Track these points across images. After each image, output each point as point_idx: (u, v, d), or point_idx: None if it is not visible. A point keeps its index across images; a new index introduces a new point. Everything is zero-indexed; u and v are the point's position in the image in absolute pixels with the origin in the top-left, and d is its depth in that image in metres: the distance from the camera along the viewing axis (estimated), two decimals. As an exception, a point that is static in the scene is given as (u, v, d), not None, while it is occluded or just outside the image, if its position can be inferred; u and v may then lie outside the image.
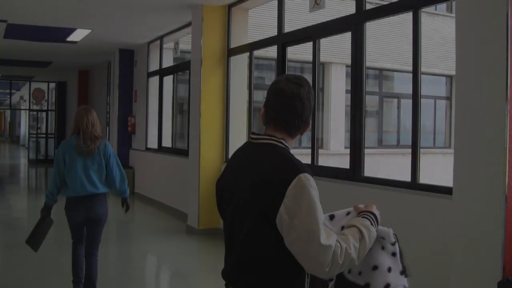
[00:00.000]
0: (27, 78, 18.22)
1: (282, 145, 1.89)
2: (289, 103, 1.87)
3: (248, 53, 7.43)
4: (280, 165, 1.80)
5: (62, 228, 6.14)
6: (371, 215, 1.90)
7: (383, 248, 1.96)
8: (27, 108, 20.48)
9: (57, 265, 5.80)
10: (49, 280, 5.51)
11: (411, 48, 4.48)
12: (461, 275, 3.51)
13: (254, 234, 1.81)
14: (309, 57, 6.07)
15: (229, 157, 7.54)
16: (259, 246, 1.82)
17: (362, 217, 1.89)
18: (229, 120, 7.63)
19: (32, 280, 5.41)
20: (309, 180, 1.76)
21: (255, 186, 1.80)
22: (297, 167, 1.78)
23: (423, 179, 4.47)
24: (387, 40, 13.01)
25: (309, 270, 1.78)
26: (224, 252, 2.00)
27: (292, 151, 1.94)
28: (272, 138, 1.88)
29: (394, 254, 1.95)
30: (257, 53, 7.42)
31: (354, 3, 5.17)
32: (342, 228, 1.91)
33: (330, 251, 1.71)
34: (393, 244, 1.95)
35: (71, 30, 9.45)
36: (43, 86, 19.38)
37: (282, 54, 6.50)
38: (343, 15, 5.53)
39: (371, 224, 1.87)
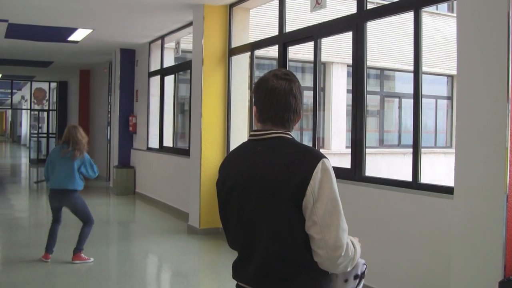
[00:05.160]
0: (28, 78, 18.26)
1: (291, 137, 1.94)
2: (284, 101, 1.90)
3: (249, 53, 7.43)
4: (303, 153, 1.86)
5: (64, 230, 6.16)
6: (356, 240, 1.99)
7: (346, 281, 1.96)
8: (28, 108, 20.56)
9: (59, 265, 5.80)
10: (51, 280, 5.51)
11: (412, 47, 4.48)
12: (462, 274, 3.51)
13: (285, 220, 1.82)
14: (310, 57, 6.07)
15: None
16: (290, 233, 1.81)
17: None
18: (230, 119, 7.63)
19: (34, 280, 5.42)
20: (330, 165, 1.84)
21: (281, 176, 1.82)
22: (318, 153, 1.86)
23: (424, 179, 4.47)
24: (388, 39, 13.00)
25: (323, 256, 1.79)
26: (239, 257, 1.96)
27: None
28: (279, 131, 1.92)
29: None
30: (258, 52, 7.42)
31: (355, 2, 5.16)
32: None
33: (346, 235, 1.81)
34: (355, 278, 1.96)
35: (72, 30, 9.46)
36: (44, 85, 19.41)
37: (283, 53, 6.50)
38: (344, 15, 5.53)
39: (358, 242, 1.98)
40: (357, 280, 1.97)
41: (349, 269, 1.88)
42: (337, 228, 1.78)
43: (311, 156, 1.83)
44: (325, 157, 1.84)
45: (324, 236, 1.78)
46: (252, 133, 1.98)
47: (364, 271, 1.98)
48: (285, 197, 1.80)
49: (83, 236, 5.90)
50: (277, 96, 1.90)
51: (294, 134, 2.01)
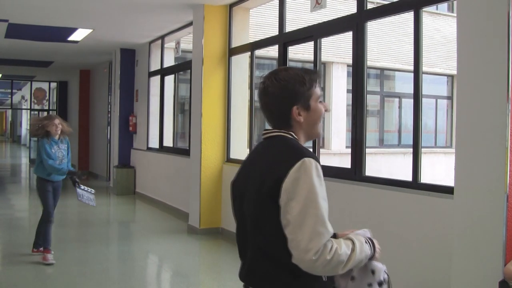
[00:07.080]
0: (29, 77, 18.23)
1: (291, 136, 1.92)
2: (265, 106, 1.95)
3: (249, 53, 7.43)
4: (286, 150, 1.84)
5: (64, 230, 6.16)
6: (369, 239, 1.90)
7: (370, 285, 1.89)
8: (28, 107, 20.50)
9: (59, 265, 5.80)
10: (51, 280, 5.51)
11: (412, 47, 4.48)
12: (462, 274, 3.51)
13: (267, 218, 1.80)
14: (310, 57, 6.06)
15: (231, 156, 7.60)
16: (272, 231, 1.78)
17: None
18: (230, 119, 7.63)
19: (34, 279, 5.42)
20: (313, 165, 1.77)
21: (264, 173, 1.83)
22: (303, 152, 1.80)
23: (425, 178, 4.47)
24: (388, 39, 13.00)
25: (296, 258, 1.74)
26: (239, 255, 1.99)
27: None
28: (281, 130, 1.93)
29: None
30: (258, 52, 7.42)
31: (355, 2, 5.16)
32: None
33: (321, 239, 1.71)
34: (380, 285, 1.89)
35: (72, 30, 9.45)
36: (44, 85, 19.39)
37: (283, 53, 6.51)
38: (344, 15, 5.53)
39: (366, 242, 1.87)
40: (384, 285, 1.89)
41: (340, 273, 1.78)
42: (310, 230, 1.71)
43: (293, 154, 1.80)
44: (311, 157, 1.78)
45: (297, 237, 1.72)
46: (263, 131, 2.03)
47: (389, 279, 1.91)
48: (266, 194, 1.79)
49: (43, 233, 5.82)
50: (262, 101, 1.96)
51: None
